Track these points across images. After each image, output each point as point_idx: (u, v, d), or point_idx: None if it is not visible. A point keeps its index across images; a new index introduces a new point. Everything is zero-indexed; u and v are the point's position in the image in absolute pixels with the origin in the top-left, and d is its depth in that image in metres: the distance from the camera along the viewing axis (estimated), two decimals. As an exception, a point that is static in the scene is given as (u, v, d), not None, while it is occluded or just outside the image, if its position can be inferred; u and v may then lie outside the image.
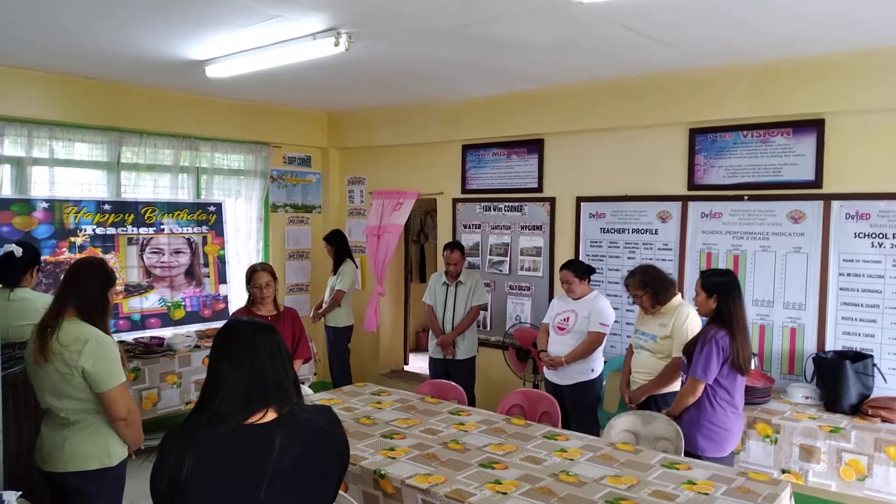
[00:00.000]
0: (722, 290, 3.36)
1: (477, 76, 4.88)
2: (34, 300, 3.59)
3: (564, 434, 3.30)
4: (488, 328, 5.81)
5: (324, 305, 6.07)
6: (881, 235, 4.01)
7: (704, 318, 3.60)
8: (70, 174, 5.28)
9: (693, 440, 3.32)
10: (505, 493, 2.57)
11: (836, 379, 3.79)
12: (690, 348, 3.39)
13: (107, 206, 5.20)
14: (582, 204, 5.24)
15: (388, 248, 6.37)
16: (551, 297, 5.27)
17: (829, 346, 4.18)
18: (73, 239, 5.00)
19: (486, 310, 5.75)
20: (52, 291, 3.84)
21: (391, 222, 6.34)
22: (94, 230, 5.11)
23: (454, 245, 5.23)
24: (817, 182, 4.20)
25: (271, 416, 1.70)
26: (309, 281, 6.95)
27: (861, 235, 4.07)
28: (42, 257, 4.65)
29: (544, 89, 5.22)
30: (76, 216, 5.03)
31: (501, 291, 5.76)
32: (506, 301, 5.73)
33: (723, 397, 3.32)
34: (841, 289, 4.15)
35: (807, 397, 3.97)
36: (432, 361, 5.36)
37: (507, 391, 4.25)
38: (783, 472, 3.61)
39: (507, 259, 5.72)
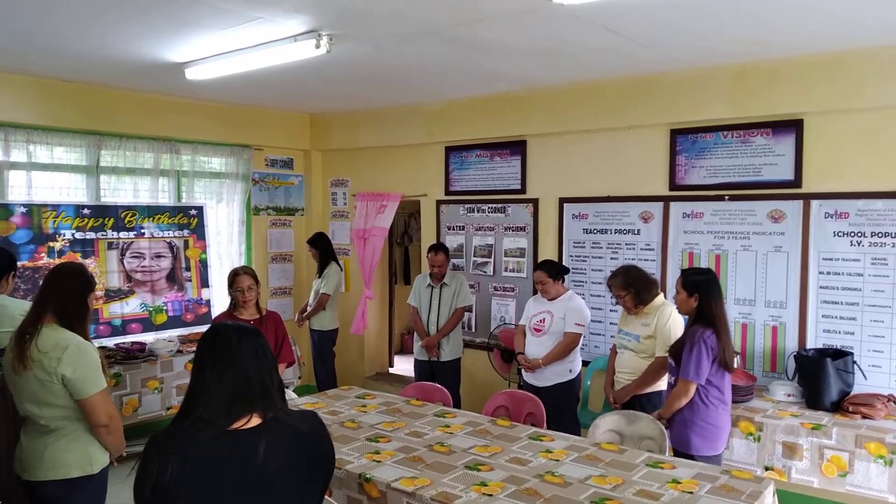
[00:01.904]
0: (703, 288, 3.37)
1: (459, 78, 4.88)
2: (10, 307, 3.53)
3: (549, 435, 3.30)
4: (473, 329, 5.81)
5: (308, 309, 6.04)
6: (860, 234, 4.06)
7: (686, 317, 3.62)
8: (48, 178, 5.21)
9: (687, 440, 3.32)
10: (491, 495, 2.56)
11: (818, 376, 3.83)
12: (677, 350, 3.39)
13: (86, 211, 5.13)
14: (565, 205, 5.26)
15: (374, 252, 6.36)
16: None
17: (810, 343, 4.22)
18: (51, 244, 4.93)
19: (471, 311, 5.75)
20: (31, 297, 3.79)
21: (376, 225, 6.33)
22: (73, 235, 5.04)
23: (438, 247, 5.22)
24: (797, 182, 4.24)
25: (256, 421, 1.68)
26: (292, 284, 6.91)
27: (840, 234, 4.12)
28: (20, 263, 4.58)
29: (527, 91, 5.24)
30: (55, 221, 4.96)
31: (486, 292, 5.76)
32: (490, 302, 5.74)
33: (715, 395, 3.33)
34: (821, 287, 4.20)
35: (789, 395, 4.01)
36: (417, 363, 5.35)
37: (492, 392, 4.25)
38: (766, 469, 3.64)
39: (492, 260, 5.72)
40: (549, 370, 4.37)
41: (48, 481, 2.62)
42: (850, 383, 3.86)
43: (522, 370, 4.55)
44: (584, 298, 4.59)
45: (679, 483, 2.66)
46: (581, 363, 4.54)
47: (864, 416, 3.63)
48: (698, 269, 3.81)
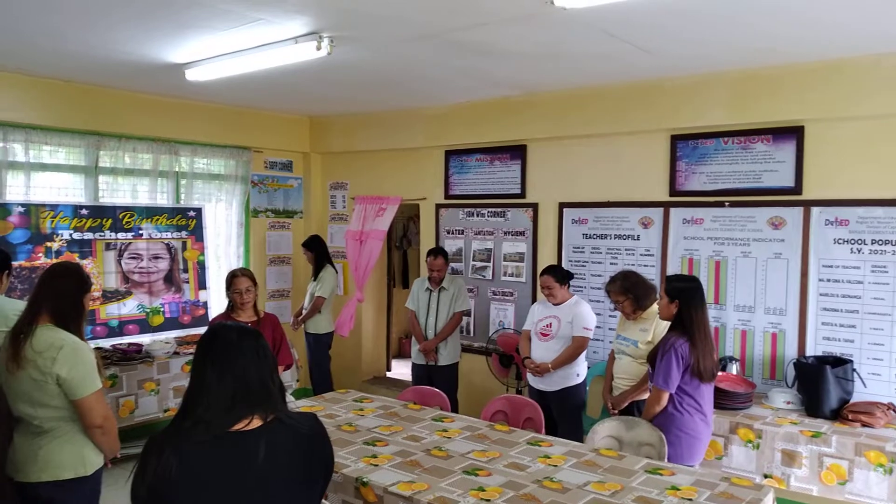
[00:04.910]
0: (684, 295, 3.32)
1: (460, 82, 4.87)
2: (4, 306, 3.49)
3: (548, 440, 3.28)
4: (472, 334, 5.80)
5: (304, 312, 6.02)
6: (860, 241, 4.05)
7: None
8: (47, 178, 5.19)
9: None
10: (489, 501, 2.54)
11: (817, 384, 3.81)
12: (653, 356, 3.38)
13: (84, 211, 5.11)
14: (564, 210, 5.24)
15: (370, 255, 6.31)
16: (534, 302, 5.26)
17: (810, 351, 4.21)
18: (49, 244, 4.91)
19: (469, 315, 5.73)
20: (27, 297, 3.76)
21: (374, 228, 6.30)
22: (70, 235, 5.02)
23: (437, 251, 5.21)
24: (797, 188, 4.24)
25: (256, 423, 1.66)
26: (290, 287, 6.89)
27: (840, 241, 4.11)
28: (17, 262, 4.56)
29: (527, 95, 5.23)
30: (53, 221, 4.94)
31: (484, 297, 5.75)
32: (489, 307, 5.72)
33: (690, 404, 3.30)
34: (821, 294, 4.19)
35: (788, 402, 3.99)
36: (415, 367, 5.33)
37: (490, 397, 4.23)
38: (766, 476, 3.63)
39: (490, 265, 5.71)
40: (557, 374, 4.36)
41: (41, 483, 2.59)
42: (849, 391, 3.85)
43: (529, 375, 4.53)
44: (582, 304, 4.57)
45: (678, 490, 2.65)
46: (586, 368, 4.53)
47: (864, 425, 3.61)
48: (682, 276, 3.77)
